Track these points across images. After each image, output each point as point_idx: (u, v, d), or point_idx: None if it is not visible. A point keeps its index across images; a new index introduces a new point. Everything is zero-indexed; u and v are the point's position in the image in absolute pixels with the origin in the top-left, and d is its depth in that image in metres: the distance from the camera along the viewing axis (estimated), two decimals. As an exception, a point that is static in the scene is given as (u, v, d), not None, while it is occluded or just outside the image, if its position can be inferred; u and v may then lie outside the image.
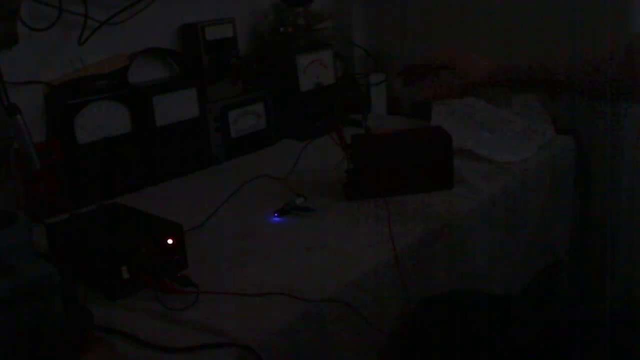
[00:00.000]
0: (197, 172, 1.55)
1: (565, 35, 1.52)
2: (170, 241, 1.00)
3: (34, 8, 1.31)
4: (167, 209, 1.14)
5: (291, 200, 1.25)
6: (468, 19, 1.77)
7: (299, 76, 1.73)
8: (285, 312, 0.90)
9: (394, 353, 1.06)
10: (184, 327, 0.87)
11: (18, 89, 1.27)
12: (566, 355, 0.86)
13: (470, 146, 1.53)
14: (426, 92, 1.24)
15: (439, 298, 1.07)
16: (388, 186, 1.28)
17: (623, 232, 1.53)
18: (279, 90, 1.74)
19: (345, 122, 1.71)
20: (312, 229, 1.18)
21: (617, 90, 0.93)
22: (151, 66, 1.57)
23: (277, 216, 1.23)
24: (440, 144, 1.32)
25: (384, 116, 1.95)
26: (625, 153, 1.54)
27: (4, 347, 0.73)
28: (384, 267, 1.05)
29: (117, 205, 1.16)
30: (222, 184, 1.44)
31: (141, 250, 0.97)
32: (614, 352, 0.80)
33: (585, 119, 1.64)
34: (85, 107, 1.36)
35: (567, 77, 0.99)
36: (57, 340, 0.77)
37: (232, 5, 1.69)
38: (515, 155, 1.50)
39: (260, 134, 1.70)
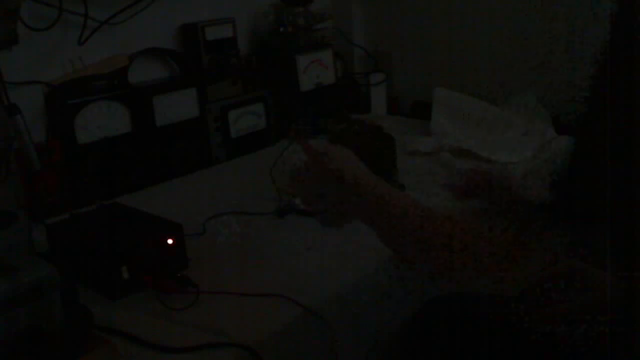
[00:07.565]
0: (197, 172, 1.55)
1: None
2: (170, 241, 1.00)
3: (34, 8, 1.31)
4: (167, 209, 1.14)
5: (291, 200, 1.25)
6: (469, 18, 1.77)
7: (299, 76, 1.73)
8: (285, 312, 0.90)
9: (394, 353, 1.06)
10: (184, 327, 0.87)
11: (18, 89, 1.27)
12: (566, 355, 0.86)
13: (470, 146, 1.53)
14: None
15: (439, 298, 1.07)
16: None
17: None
18: (279, 90, 1.74)
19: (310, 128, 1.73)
20: (312, 229, 1.18)
21: None
22: (151, 66, 1.57)
23: (277, 216, 1.23)
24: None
25: (384, 116, 1.95)
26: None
27: (4, 347, 0.73)
28: (383, 268, 1.05)
29: (117, 205, 1.16)
30: (222, 184, 1.44)
31: (141, 250, 0.97)
32: (614, 352, 0.80)
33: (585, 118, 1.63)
34: (85, 107, 1.35)
35: None
36: (57, 340, 0.77)
37: (232, 5, 1.69)
38: (515, 155, 1.50)
39: (260, 134, 1.70)
